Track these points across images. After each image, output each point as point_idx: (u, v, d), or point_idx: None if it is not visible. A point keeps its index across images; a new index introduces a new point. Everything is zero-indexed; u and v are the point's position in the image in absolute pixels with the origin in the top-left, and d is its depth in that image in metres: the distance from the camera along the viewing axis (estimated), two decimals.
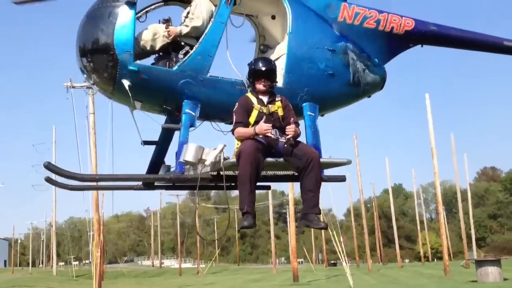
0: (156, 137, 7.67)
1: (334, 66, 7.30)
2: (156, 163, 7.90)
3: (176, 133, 7.65)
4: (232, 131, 6.04)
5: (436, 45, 8.50)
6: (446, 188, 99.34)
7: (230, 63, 6.88)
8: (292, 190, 35.65)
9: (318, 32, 7.28)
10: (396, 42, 8.07)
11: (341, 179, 7.20)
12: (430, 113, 34.76)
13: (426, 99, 35.07)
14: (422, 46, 8.43)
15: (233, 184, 6.37)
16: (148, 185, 8.09)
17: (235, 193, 6.47)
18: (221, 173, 6.19)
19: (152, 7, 7.07)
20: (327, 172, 6.84)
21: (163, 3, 7.22)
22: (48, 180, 7.88)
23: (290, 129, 5.71)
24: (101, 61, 6.44)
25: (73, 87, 30.67)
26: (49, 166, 6.21)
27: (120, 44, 6.31)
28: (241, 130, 5.88)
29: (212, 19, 6.70)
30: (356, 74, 7.51)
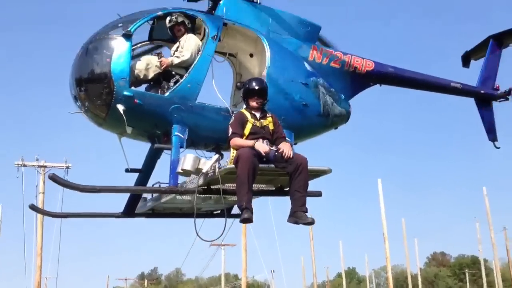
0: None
1: (307, 98, 8.11)
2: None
3: (159, 162, 8.22)
4: (229, 140, 6.66)
5: (392, 85, 9.52)
6: (398, 273, 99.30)
7: (216, 91, 7.54)
8: (245, 274, 34.58)
9: (293, 68, 8.11)
10: (358, 81, 9.03)
11: (318, 194, 7.80)
12: (382, 199, 35.16)
13: (378, 183, 35.76)
14: (380, 85, 9.42)
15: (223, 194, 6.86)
16: (129, 213, 8.50)
17: None
18: (212, 187, 6.76)
19: (139, 45, 7.72)
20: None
21: (148, 42, 7.88)
22: (32, 207, 8.15)
23: (286, 151, 6.40)
24: (97, 88, 6.97)
25: (25, 165, 31.02)
26: (54, 177, 6.54)
27: (117, 71, 6.89)
28: (239, 141, 6.54)
29: (200, 52, 7.40)
30: (325, 106, 8.34)
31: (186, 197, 7.85)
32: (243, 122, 6.70)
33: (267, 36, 8.04)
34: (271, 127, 6.82)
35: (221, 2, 7.96)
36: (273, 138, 6.72)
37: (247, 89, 6.90)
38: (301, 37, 8.48)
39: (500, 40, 10.82)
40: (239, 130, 6.63)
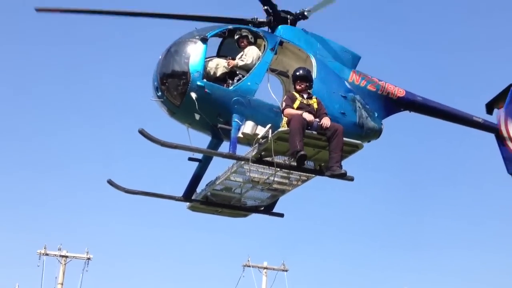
0: None
1: (345, 108, 9.63)
2: (197, 176, 9.85)
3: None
4: (283, 110, 8.37)
5: (420, 112, 10.94)
6: None
7: (270, 91, 9.17)
8: None
9: (335, 83, 9.72)
10: (390, 104, 10.52)
11: (350, 178, 9.04)
12: None
13: None
14: (410, 112, 10.86)
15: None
16: (187, 198, 9.94)
17: None
18: (264, 159, 8.27)
19: (220, 39, 9.52)
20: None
21: (227, 37, 9.54)
22: (110, 182, 9.68)
23: (325, 121, 8.18)
24: (176, 80, 8.66)
25: (47, 254, 30.64)
26: (143, 132, 8.09)
27: (193, 65, 8.62)
28: (291, 110, 8.28)
29: (260, 59, 9.09)
30: (361, 119, 9.81)
31: (238, 179, 9.28)
32: (293, 99, 8.41)
33: (315, 56, 9.72)
34: (315, 106, 8.46)
35: (278, 27, 9.78)
36: (317, 114, 8.33)
37: (294, 75, 8.68)
38: (343, 62, 10.13)
39: None
40: (290, 104, 8.29)
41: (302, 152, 7.77)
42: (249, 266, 31.30)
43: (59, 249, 30.97)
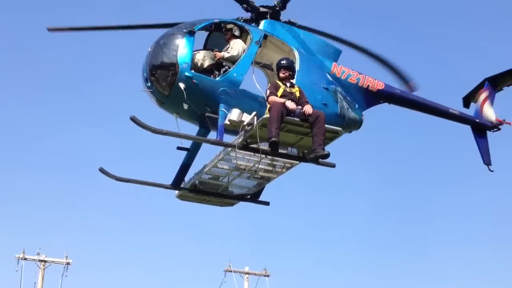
0: None
1: (327, 99, 10.07)
2: (186, 165, 10.23)
3: (204, 145, 10.08)
4: (267, 97, 8.74)
5: (398, 105, 11.41)
6: None
7: (255, 82, 9.62)
8: None
9: (317, 75, 10.16)
10: (370, 97, 10.99)
11: (331, 165, 9.48)
12: None
13: None
14: (389, 104, 11.33)
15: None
16: (176, 186, 10.29)
17: None
18: (250, 145, 8.67)
19: (207, 32, 9.94)
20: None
21: (213, 30, 9.97)
22: (102, 170, 10.01)
23: (307, 109, 8.55)
24: (165, 71, 9.04)
25: (25, 259, 30.12)
26: (134, 119, 8.44)
27: (182, 57, 9.00)
28: (275, 98, 8.63)
29: (245, 52, 9.51)
30: (342, 109, 10.27)
31: (224, 166, 9.66)
32: (277, 87, 8.81)
33: (298, 49, 10.15)
34: (297, 94, 8.86)
35: (263, 21, 10.21)
36: (299, 102, 8.72)
37: (278, 63, 9.09)
38: (325, 56, 10.59)
39: (495, 82, 12.74)
40: (274, 91, 8.70)
41: (273, 139, 8.13)
42: (231, 271, 31.29)
43: (38, 254, 30.57)
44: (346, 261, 50.34)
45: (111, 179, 10.02)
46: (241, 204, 10.88)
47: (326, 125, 8.58)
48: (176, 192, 10.41)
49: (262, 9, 10.37)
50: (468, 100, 13.17)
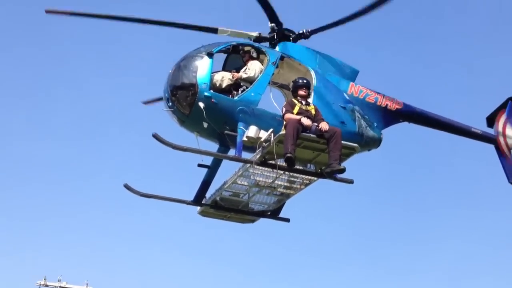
0: None
1: (344, 117, 10.28)
2: (207, 182, 10.55)
3: (224, 162, 10.39)
4: (283, 114, 9.03)
5: (418, 123, 11.51)
6: None
7: (272, 101, 9.90)
8: None
9: (334, 94, 10.41)
10: (389, 116, 11.13)
11: (350, 181, 9.65)
12: None
13: None
14: (409, 123, 11.45)
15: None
16: (197, 202, 10.61)
17: None
18: (268, 162, 8.98)
19: (225, 55, 10.32)
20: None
21: (231, 52, 10.34)
22: (127, 186, 10.42)
23: (323, 125, 8.79)
24: (185, 91, 9.44)
25: (46, 286, 30.84)
26: (157, 136, 8.84)
27: (201, 77, 9.41)
28: (291, 115, 8.91)
29: (262, 72, 9.86)
30: (360, 128, 10.45)
31: (244, 182, 9.93)
32: (293, 105, 9.12)
33: (314, 69, 10.44)
34: (313, 112, 9.12)
35: (280, 43, 10.58)
36: (315, 120, 8.97)
37: (297, 82, 9.40)
38: (342, 75, 10.85)
39: None
40: (290, 109, 9.00)
41: (289, 154, 8.38)
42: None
43: (59, 281, 31.09)
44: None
45: (135, 195, 10.41)
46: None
47: (342, 141, 8.78)
48: (198, 208, 10.72)
49: (286, 33, 10.81)
50: (492, 119, 13.15)
